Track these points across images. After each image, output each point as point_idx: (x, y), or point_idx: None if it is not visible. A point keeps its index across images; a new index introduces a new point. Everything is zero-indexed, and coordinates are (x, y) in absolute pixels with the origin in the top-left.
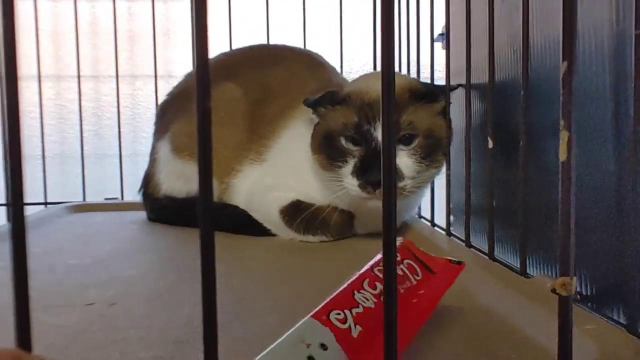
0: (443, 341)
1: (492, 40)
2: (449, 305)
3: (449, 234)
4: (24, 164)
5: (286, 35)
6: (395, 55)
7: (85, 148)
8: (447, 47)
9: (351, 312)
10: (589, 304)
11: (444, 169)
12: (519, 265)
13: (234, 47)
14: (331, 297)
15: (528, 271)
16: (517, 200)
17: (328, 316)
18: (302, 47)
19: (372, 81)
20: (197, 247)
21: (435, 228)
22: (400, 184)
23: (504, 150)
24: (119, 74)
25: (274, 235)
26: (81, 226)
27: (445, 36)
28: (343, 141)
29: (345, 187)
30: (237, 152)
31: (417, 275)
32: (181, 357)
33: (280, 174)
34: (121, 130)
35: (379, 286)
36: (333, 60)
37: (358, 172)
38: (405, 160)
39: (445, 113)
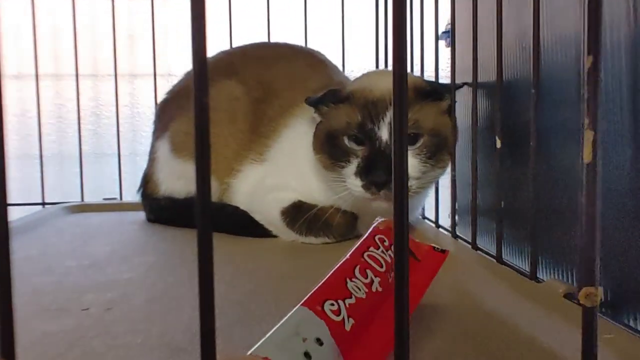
0: (447, 346)
1: (500, 37)
2: (455, 310)
3: (454, 235)
4: (21, 164)
5: (287, 33)
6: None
7: (84, 147)
8: (453, 45)
9: (345, 303)
10: (606, 310)
11: (448, 169)
12: (528, 269)
13: (234, 45)
14: (323, 280)
15: (537, 273)
16: (526, 201)
17: (323, 307)
18: (303, 45)
19: (375, 79)
20: (197, 248)
21: (440, 229)
22: None
23: (512, 150)
24: (119, 72)
25: (275, 236)
26: (79, 227)
27: (451, 33)
28: (346, 141)
29: (348, 188)
30: (238, 151)
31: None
32: None
33: (282, 174)
34: (121, 129)
35: (370, 274)
36: (335, 58)
37: (362, 173)
38: (410, 160)
39: (450, 112)
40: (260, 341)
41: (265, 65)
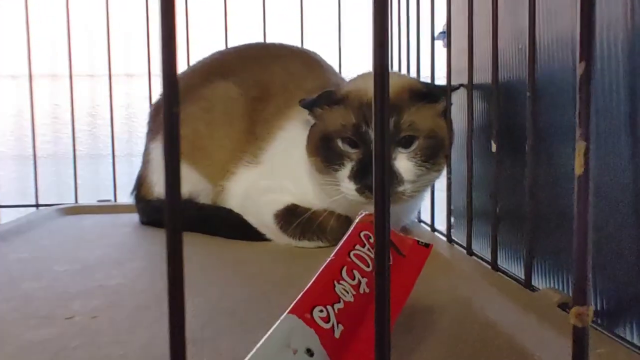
0: (437, 355)
1: (495, 37)
2: (447, 317)
3: (449, 240)
4: (17, 164)
5: (283, 34)
6: (389, 53)
7: (80, 148)
8: (448, 46)
9: (333, 309)
10: (600, 321)
11: (444, 172)
12: (523, 275)
13: (230, 46)
14: (311, 284)
15: (533, 279)
16: (522, 206)
17: (311, 314)
18: (299, 45)
19: (370, 80)
20: (189, 253)
21: (436, 233)
22: (400, 189)
23: (508, 153)
24: (115, 72)
25: (269, 240)
26: (72, 230)
27: (447, 34)
28: (340, 143)
29: (342, 192)
30: (233, 153)
31: (389, 261)
32: None
33: (276, 176)
34: (117, 130)
35: (357, 275)
36: (331, 59)
37: (355, 176)
38: (405, 164)
39: (446, 114)
40: (249, 355)
41: (261, 66)
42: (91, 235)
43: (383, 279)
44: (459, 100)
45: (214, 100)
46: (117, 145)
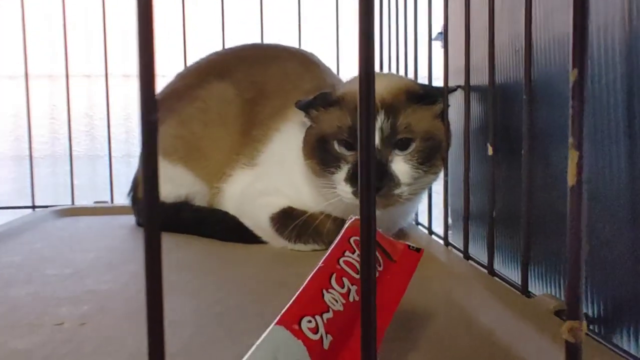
0: None
1: (492, 39)
2: (442, 323)
3: (446, 243)
4: (14, 165)
5: (280, 35)
6: (375, 57)
7: (77, 149)
8: (446, 47)
9: (322, 319)
10: (596, 328)
11: (442, 174)
12: (519, 280)
13: (227, 46)
14: (299, 293)
15: (529, 282)
16: (519, 208)
17: (300, 325)
18: (296, 46)
19: None
20: (183, 256)
21: (433, 236)
22: (397, 191)
23: (505, 155)
24: (112, 73)
25: (264, 242)
26: (67, 232)
27: (444, 35)
28: (336, 145)
29: (338, 195)
30: (229, 155)
31: (379, 266)
32: None
33: (272, 179)
34: (113, 130)
35: (347, 283)
36: (329, 60)
37: (352, 179)
38: (401, 166)
39: (443, 116)
40: None
41: (257, 66)
42: (85, 238)
43: (369, 283)
44: (456, 102)
45: (210, 101)
46: (114, 146)
